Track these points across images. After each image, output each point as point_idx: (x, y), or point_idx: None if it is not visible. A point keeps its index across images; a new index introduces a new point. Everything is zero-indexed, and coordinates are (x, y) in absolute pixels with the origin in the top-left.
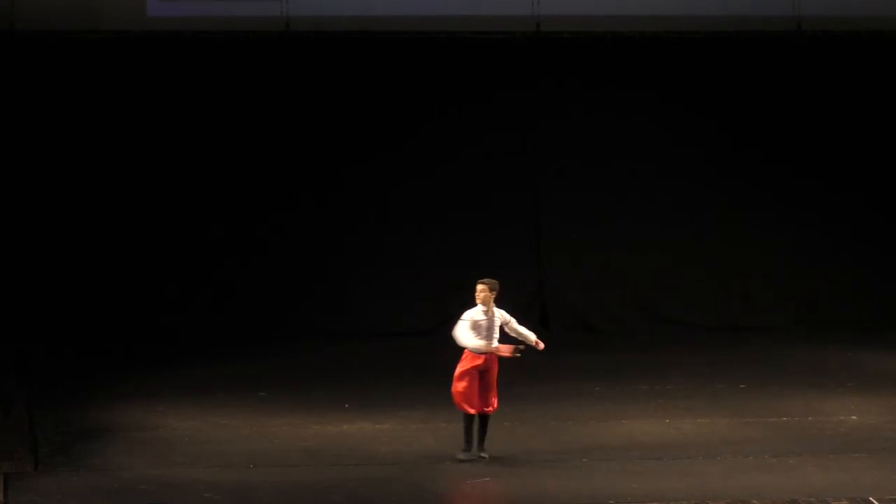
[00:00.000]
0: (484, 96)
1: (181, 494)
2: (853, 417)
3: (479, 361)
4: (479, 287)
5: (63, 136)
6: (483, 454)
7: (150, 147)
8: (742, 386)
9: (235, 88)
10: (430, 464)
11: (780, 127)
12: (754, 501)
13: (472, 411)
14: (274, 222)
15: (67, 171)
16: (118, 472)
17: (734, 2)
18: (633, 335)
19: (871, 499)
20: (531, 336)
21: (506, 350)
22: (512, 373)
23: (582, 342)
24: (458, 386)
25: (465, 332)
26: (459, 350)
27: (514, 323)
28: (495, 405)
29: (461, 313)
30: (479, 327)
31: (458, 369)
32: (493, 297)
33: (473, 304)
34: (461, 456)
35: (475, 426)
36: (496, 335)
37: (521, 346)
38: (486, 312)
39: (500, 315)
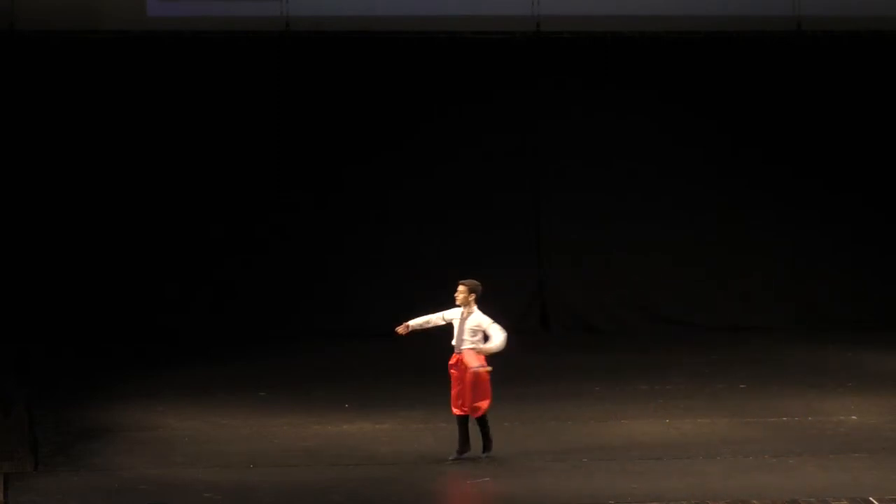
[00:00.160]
0: (484, 96)
1: (181, 494)
2: (853, 417)
3: (453, 361)
4: (459, 288)
5: (63, 136)
6: (483, 454)
7: (151, 147)
8: (742, 386)
9: (235, 88)
10: (430, 464)
11: (780, 127)
12: (754, 501)
13: (454, 411)
14: (274, 222)
15: (67, 171)
16: (118, 472)
17: (734, 2)
18: (633, 335)
19: (871, 499)
20: (482, 353)
21: (472, 362)
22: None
23: (582, 342)
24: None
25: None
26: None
27: (489, 333)
28: (471, 410)
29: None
30: (453, 327)
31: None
32: (473, 298)
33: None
34: (450, 457)
35: (465, 427)
36: (465, 338)
37: (487, 368)
38: (461, 314)
39: (477, 321)
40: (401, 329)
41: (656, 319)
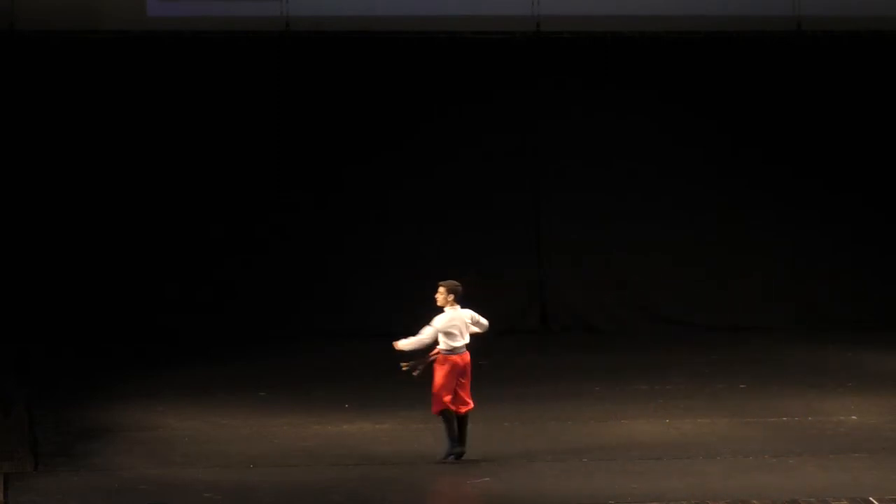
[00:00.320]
0: (484, 96)
1: (181, 494)
2: (853, 417)
3: (463, 361)
4: (439, 289)
5: (63, 136)
6: (449, 457)
7: (150, 147)
8: (742, 386)
9: (235, 88)
10: (429, 464)
11: (780, 127)
12: (754, 501)
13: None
14: (274, 222)
15: (67, 171)
16: (118, 472)
17: (734, 2)
18: (633, 335)
19: (871, 499)
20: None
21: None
22: (512, 373)
23: (582, 342)
24: (441, 387)
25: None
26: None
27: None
28: (435, 408)
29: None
30: (455, 328)
31: None
32: (453, 298)
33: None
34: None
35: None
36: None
37: (411, 366)
38: (447, 314)
39: (445, 317)
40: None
41: (656, 319)
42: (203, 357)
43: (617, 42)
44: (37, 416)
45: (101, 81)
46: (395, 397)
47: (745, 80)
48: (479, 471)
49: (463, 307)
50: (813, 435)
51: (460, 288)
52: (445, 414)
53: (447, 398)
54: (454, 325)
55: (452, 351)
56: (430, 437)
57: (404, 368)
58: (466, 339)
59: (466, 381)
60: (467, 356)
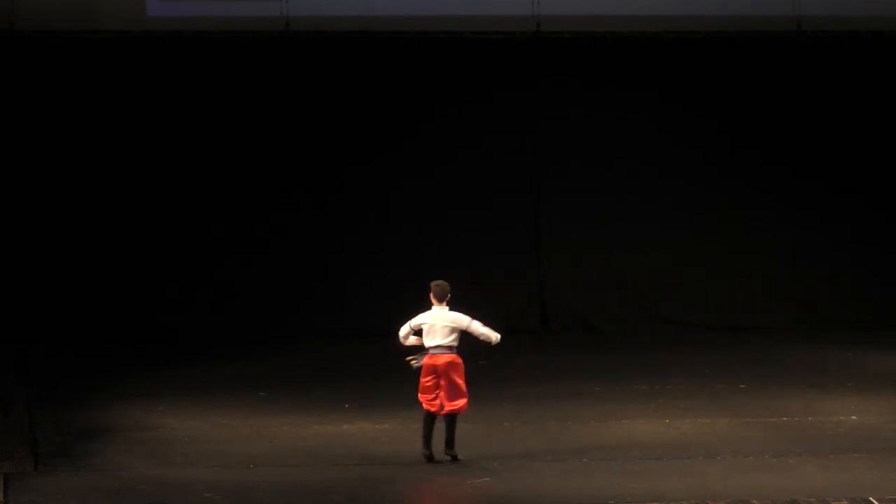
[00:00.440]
0: (484, 96)
1: (181, 494)
2: (853, 417)
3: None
4: (441, 289)
5: (63, 136)
6: (430, 455)
7: (150, 147)
8: (742, 386)
9: (235, 88)
10: (429, 464)
11: (780, 127)
12: (754, 501)
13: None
14: (274, 222)
15: (67, 171)
16: (118, 472)
17: (734, 2)
18: (633, 335)
19: (871, 499)
20: (493, 335)
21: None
22: (512, 373)
23: (582, 342)
24: (421, 383)
25: (403, 331)
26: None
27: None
28: (438, 408)
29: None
30: (413, 328)
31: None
32: (438, 300)
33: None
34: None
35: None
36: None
37: (415, 361)
38: (433, 314)
39: (443, 317)
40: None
41: (656, 319)
42: (203, 357)
43: (617, 42)
44: (37, 416)
45: (101, 81)
46: (395, 397)
47: (745, 80)
48: (479, 471)
49: (464, 312)
50: (813, 435)
51: (447, 288)
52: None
53: (421, 397)
54: (427, 323)
55: (426, 351)
56: None
57: (411, 363)
58: (440, 341)
59: (445, 384)
60: (441, 359)
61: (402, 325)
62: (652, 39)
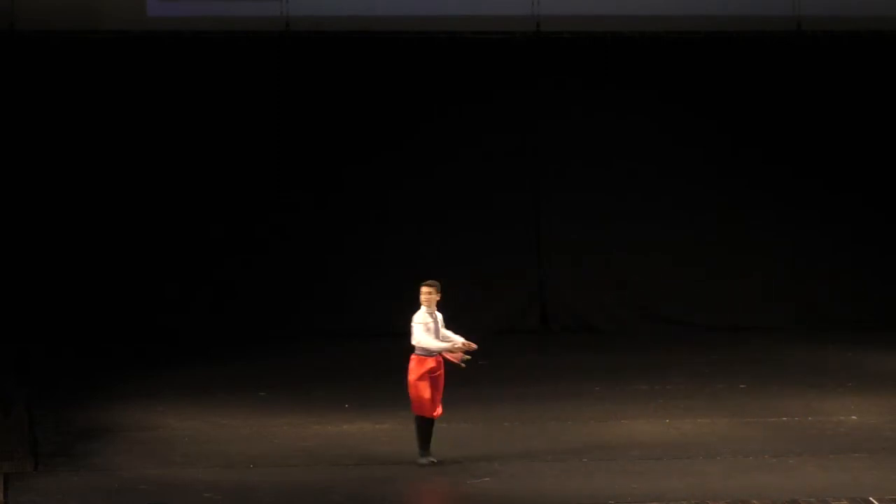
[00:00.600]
0: (484, 96)
1: (181, 494)
2: (853, 417)
3: (432, 364)
4: (425, 289)
5: (63, 136)
6: (433, 459)
7: (150, 147)
8: (742, 386)
9: (235, 88)
10: (429, 464)
11: (780, 127)
12: (754, 501)
13: (432, 415)
14: (274, 222)
15: (67, 171)
16: (118, 472)
17: (734, 2)
18: (633, 335)
19: (871, 499)
20: (458, 340)
21: (455, 357)
22: (512, 373)
23: (582, 342)
24: (420, 390)
25: (426, 336)
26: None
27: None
28: (441, 411)
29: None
30: (430, 330)
31: (414, 374)
32: (438, 299)
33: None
34: (422, 461)
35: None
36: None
37: (468, 357)
38: (431, 314)
39: (440, 318)
40: (462, 363)
41: (656, 319)
42: (203, 357)
43: (617, 42)
44: (37, 416)
45: (101, 81)
46: (395, 397)
47: (745, 80)
48: (479, 471)
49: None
50: (813, 435)
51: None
52: (418, 419)
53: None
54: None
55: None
56: None
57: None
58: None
59: (440, 386)
60: (432, 361)
61: (406, 327)
62: (652, 39)
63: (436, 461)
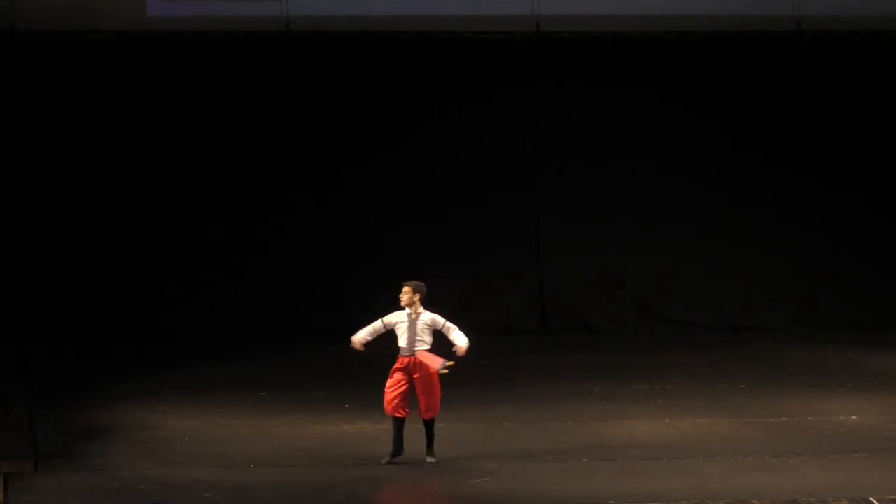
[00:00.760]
0: (484, 96)
1: (181, 494)
2: (853, 417)
3: (401, 364)
4: (404, 289)
5: (63, 136)
6: (430, 459)
7: (150, 147)
8: (742, 386)
9: (235, 88)
10: (429, 464)
11: (780, 127)
12: (754, 501)
13: (398, 413)
14: (274, 222)
15: (67, 171)
16: (118, 472)
17: (734, 2)
18: (633, 335)
19: (871, 499)
20: (461, 344)
21: (433, 363)
22: (512, 373)
23: (582, 342)
24: (385, 387)
25: (364, 330)
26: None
27: (448, 327)
28: (429, 412)
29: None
30: (400, 329)
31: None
32: (419, 299)
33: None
34: (383, 460)
35: (402, 430)
36: (420, 339)
37: (451, 363)
38: (409, 315)
39: (431, 320)
40: (358, 346)
41: (656, 319)
42: (203, 357)
43: (617, 42)
44: (37, 416)
45: (101, 81)
46: None
47: (745, 80)
48: (479, 471)
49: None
50: (813, 435)
51: (425, 288)
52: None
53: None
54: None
55: (399, 351)
56: None
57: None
58: (406, 344)
59: (419, 388)
60: (407, 361)
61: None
62: (652, 39)
63: (386, 461)
